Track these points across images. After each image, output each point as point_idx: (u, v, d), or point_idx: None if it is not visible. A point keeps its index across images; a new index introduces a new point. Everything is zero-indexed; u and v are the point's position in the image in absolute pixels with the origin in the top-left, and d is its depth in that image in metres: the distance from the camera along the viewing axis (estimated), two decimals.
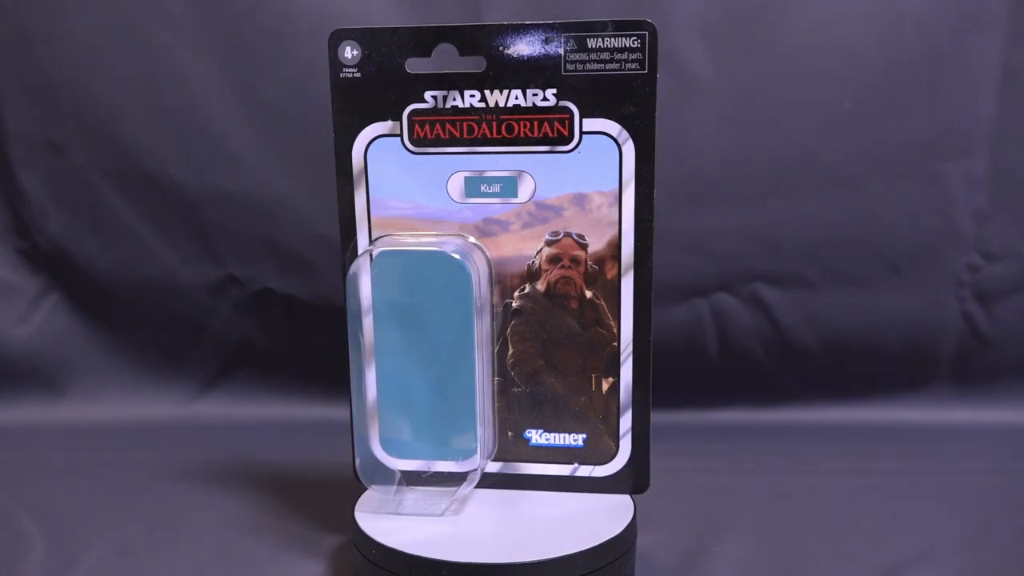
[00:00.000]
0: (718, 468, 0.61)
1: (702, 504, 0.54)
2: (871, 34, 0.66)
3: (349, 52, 0.43)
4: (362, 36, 0.43)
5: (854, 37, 0.66)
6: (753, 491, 0.57)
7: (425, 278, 0.43)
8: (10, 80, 0.68)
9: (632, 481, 0.46)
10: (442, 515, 0.44)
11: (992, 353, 0.71)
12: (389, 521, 0.43)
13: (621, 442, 0.46)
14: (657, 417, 0.70)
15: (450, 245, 0.43)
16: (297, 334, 0.72)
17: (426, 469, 0.45)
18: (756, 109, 0.67)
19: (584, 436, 0.46)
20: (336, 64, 0.43)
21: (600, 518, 0.43)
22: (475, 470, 0.45)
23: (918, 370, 0.71)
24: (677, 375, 0.71)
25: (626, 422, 0.46)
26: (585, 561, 0.40)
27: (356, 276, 0.44)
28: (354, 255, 0.45)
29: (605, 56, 0.42)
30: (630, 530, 0.43)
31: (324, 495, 0.56)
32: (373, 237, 0.45)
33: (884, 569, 0.46)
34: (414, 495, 0.45)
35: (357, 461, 0.45)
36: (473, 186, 0.44)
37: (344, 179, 0.45)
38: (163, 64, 0.67)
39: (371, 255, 0.43)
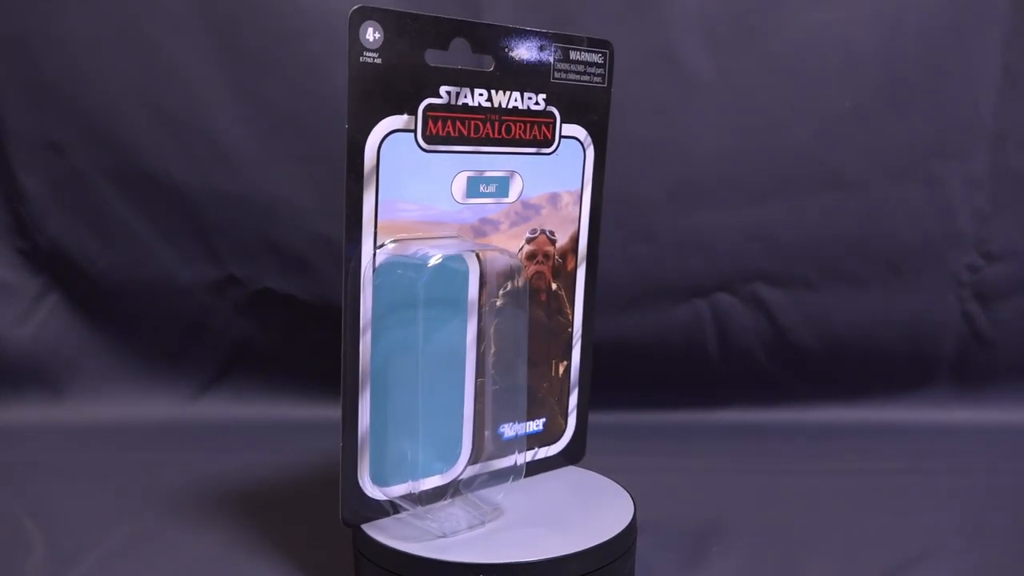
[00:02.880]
0: (718, 468, 0.61)
1: (702, 504, 0.54)
2: (871, 34, 0.66)
3: (371, 34, 0.38)
4: (385, 18, 0.38)
5: (854, 37, 0.66)
6: (753, 491, 0.57)
7: (452, 284, 0.42)
8: (10, 80, 0.68)
9: (575, 453, 0.50)
10: (485, 525, 0.43)
11: (992, 353, 0.71)
12: (388, 521, 0.43)
13: (569, 419, 0.49)
14: (658, 417, 0.71)
15: (472, 248, 0.43)
16: (297, 334, 0.72)
17: (412, 490, 0.44)
18: (756, 109, 0.67)
19: (544, 420, 0.48)
20: (357, 46, 0.38)
21: (600, 518, 0.43)
22: (517, 466, 0.45)
23: (918, 370, 0.71)
24: (677, 375, 0.71)
25: (574, 399, 0.49)
26: (585, 561, 0.40)
27: (418, 287, 0.41)
28: (358, 262, 0.40)
29: (580, 68, 0.46)
30: (630, 530, 0.43)
31: (324, 494, 0.56)
32: (379, 243, 0.41)
33: (884, 569, 0.46)
34: (449, 514, 0.43)
35: (345, 504, 0.42)
36: (474, 186, 0.44)
37: (354, 177, 0.39)
38: (163, 64, 0.67)
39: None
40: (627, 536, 0.43)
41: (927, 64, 0.66)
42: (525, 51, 0.43)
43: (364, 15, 0.38)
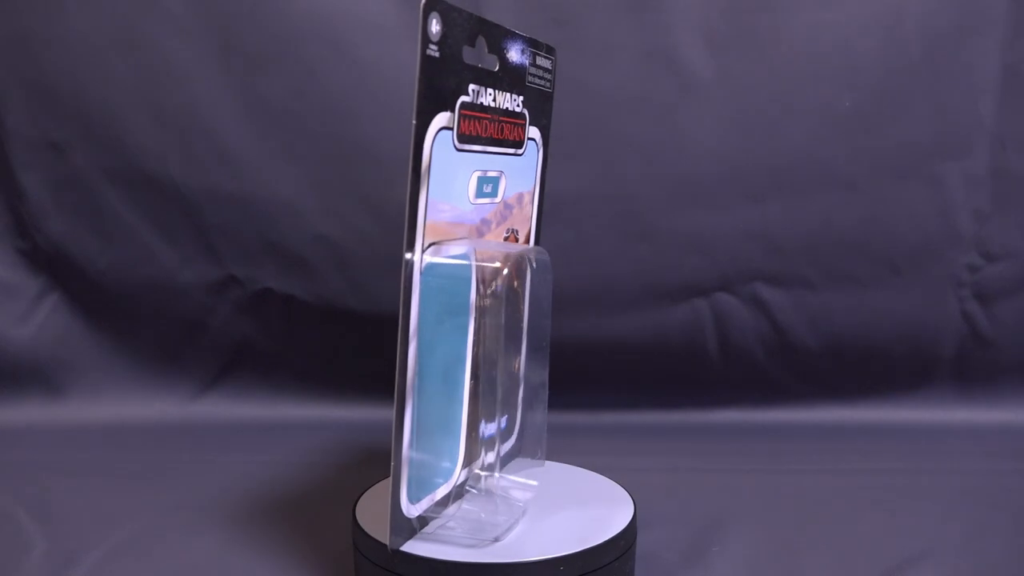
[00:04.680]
0: (718, 468, 0.61)
1: (702, 504, 0.54)
2: (871, 35, 0.66)
3: (435, 26, 0.37)
4: (443, 10, 0.37)
5: (854, 38, 0.66)
6: (753, 491, 0.57)
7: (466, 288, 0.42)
8: (10, 80, 0.68)
9: (521, 447, 0.50)
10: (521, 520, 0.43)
11: (992, 353, 0.71)
12: (388, 521, 0.43)
13: (519, 413, 0.49)
14: (658, 417, 0.71)
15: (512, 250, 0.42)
16: (297, 334, 0.72)
17: (430, 502, 0.43)
18: (756, 109, 0.67)
19: (506, 417, 0.47)
20: (425, 38, 0.36)
21: (600, 518, 0.43)
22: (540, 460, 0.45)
23: (918, 370, 0.71)
24: (677, 375, 0.71)
25: (521, 393, 0.49)
26: (585, 561, 0.40)
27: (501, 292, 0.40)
28: (412, 267, 0.38)
29: (541, 72, 0.47)
30: (630, 530, 0.43)
31: (323, 495, 0.56)
32: (425, 245, 0.39)
33: (884, 569, 0.46)
34: (497, 515, 0.42)
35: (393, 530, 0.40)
36: (479, 186, 0.44)
37: (415, 176, 0.37)
38: (163, 64, 0.67)
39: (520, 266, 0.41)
40: (627, 536, 0.43)
41: (927, 64, 0.66)
42: (515, 54, 0.44)
43: (432, 5, 0.36)
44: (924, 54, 0.66)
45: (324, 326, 0.72)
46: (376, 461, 0.63)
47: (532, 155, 0.48)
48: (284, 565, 0.47)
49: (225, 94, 0.68)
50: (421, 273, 0.38)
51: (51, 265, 0.72)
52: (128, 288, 0.72)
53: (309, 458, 0.63)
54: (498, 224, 0.46)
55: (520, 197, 0.47)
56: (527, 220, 0.49)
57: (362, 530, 0.42)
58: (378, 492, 0.47)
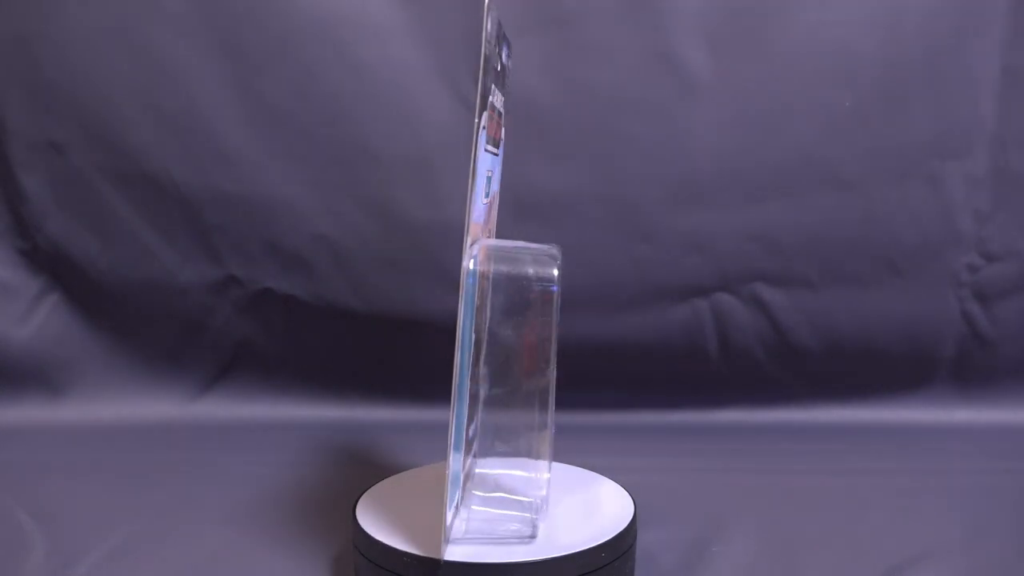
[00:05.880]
0: (718, 468, 0.61)
1: (702, 504, 0.54)
2: (871, 34, 0.66)
3: (490, 25, 0.37)
4: (492, 10, 0.38)
5: (854, 37, 0.66)
6: (753, 491, 0.57)
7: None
8: (10, 80, 0.68)
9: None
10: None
11: (992, 353, 0.71)
12: (389, 520, 0.43)
13: (479, 412, 0.48)
14: (657, 417, 0.71)
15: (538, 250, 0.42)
16: (297, 334, 0.72)
17: (454, 508, 0.42)
18: (756, 109, 0.67)
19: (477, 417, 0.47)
20: (485, 37, 0.37)
21: (600, 517, 0.43)
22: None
23: (918, 370, 0.71)
24: (677, 375, 0.71)
25: (482, 391, 0.48)
26: (585, 561, 0.40)
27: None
28: (465, 274, 0.39)
29: (508, 74, 0.47)
30: (630, 530, 0.43)
31: (323, 495, 0.56)
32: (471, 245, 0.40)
33: (884, 569, 0.46)
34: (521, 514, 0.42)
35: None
36: (485, 186, 0.44)
37: (473, 176, 0.38)
38: (163, 64, 0.67)
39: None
40: (627, 536, 0.43)
41: (927, 64, 0.66)
42: (505, 55, 0.44)
43: (490, 5, 0.37)
44: (924, 54, 0.66)
45: (324, 326, 0.72)
46: (376, 461, 0.63)
47: (503, 155, 0.48)
48: (284, 565, 0.47)
49: (225, 94, 0.67)
50: (468, 277, 0.39)
51: (51, 265, 0.72)
52: (128, 288, 0.72)
53: (309, 458, 0.63)
54: (487, 223, 0.46)
55: (495, 196, 0.48)
56: (494, 219, 0.50)
57: (362, 530, 0.42)
58: (378, 492, 0.47)
